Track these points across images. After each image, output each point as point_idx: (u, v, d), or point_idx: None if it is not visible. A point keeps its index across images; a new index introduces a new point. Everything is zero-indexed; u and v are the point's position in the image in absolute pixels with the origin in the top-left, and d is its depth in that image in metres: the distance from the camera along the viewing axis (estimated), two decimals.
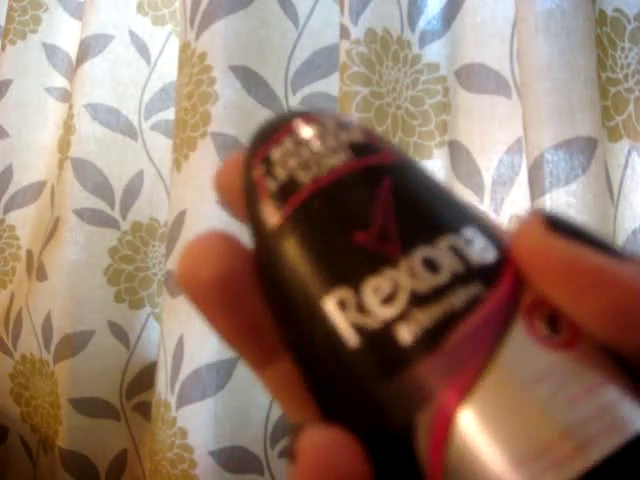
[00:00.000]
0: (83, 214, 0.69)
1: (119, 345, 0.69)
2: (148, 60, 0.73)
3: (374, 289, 0.14)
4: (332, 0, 0.63)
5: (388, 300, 0.14)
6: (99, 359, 0.68)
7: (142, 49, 0.73)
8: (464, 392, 0.13)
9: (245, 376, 0.58)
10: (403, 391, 0.13)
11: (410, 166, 0.16)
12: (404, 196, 0.15)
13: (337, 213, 0.15)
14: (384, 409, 0.14)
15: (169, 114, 0.69)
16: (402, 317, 0.14)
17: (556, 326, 0.14)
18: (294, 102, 0.61)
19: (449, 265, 0.14)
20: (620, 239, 0.48)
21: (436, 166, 0.58)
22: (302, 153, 0.16)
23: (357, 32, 0.56)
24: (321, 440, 0.14)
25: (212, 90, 0.58)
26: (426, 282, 0.14)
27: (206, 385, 0.56)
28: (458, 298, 0.14)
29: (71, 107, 0.71)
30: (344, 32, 0.56)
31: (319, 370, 0.15)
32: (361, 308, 0.14)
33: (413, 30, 0.59)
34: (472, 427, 0.13)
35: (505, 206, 0.54)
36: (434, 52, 0.59)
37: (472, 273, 0.14)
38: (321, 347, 0.15)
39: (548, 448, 0.12)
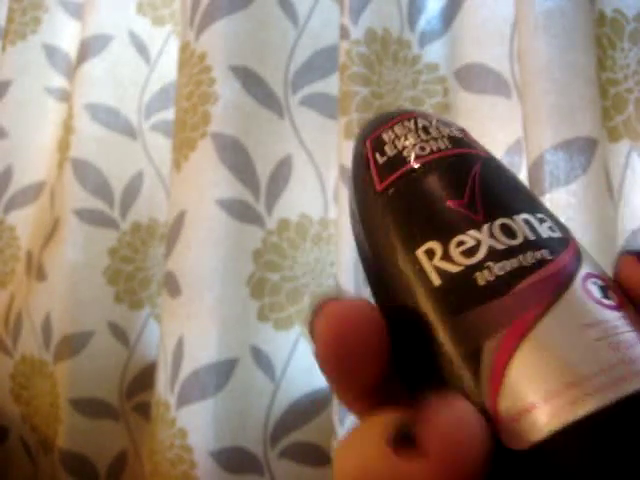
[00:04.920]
0: (83, 214, 0.69)
1: (119, 345, 0.69)
2: (148, 60, 0.73)
3: (458, 243, 0.17)
4: (332, 0, 0.63)
5: (469, 252, 0.17)
6: (99, 359, 0.68)
7: (142, 49, 0.73)
8: (526, 328, 0.16)
9: (245, 377, 0.58)
10: (474, 323, 0.16)
11: (495, 161, 0.20)
12: (490, 180, 0.19)
13: (435, 183, 0.18)
14: (456, 337, 0.16)
15: (169, 114, 0.69)
16: (479, 266, 0.17)
17: (607, 294, 0.17)
18: (294, 102, 0.61)
19: (523, 234, 0.17)
20: (620, 239, 0.48)
21: None
22: (409, 138, 0.20)
23: (357, 32, 0.55)
24: (336, 306, 0.16)
25: (212, 90, 0.58)
26: (502, 243, 0.17)
27: (206, 385, 0.56)
28: (528, 258, 0.17)
29: (71, 107, 0.71)
30: (344, 32, 0.56)
31: (403, 305, 0.18)
32: (445, 257, 0.17)
33: (413, 30, 0.59)
34: (529, 356, 0.15)
35: None
36: (434, 52, 0.59)
37: (541, 242, 0.17)
38: (408, 286, 0.18)
39: (590, 378, 0.15)
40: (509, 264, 0.16)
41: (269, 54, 0.60)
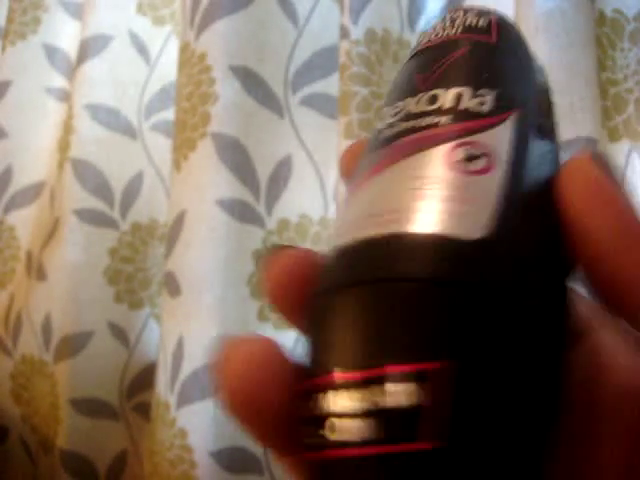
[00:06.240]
0: (83, 214, 0.69)
1: (119, 346, 0.69)
2: (148, 60, 0.73)
3: (395, 113, 0.19)
4: (332, 0, 0.63)
5: (394, 115, 0.19)
6: (99, 360, 0.68)
7: (142, 49, 0.73)
8: (375, 171, 0.18)
9: None
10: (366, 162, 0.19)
11: (495, 48, 0.20)
12: (466, 60, 0.20)
13: (421, 60, 0.21)
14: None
15: (169, 114, 0.69)
16: (389, 126, 0.19)
17: (474, 160, 0.17)
18: (294, 102, 0.61)
19: (441, 103, 0.18)
20: None
21: None
22: (437, 27, 0.21)
23: (357, 32, 0.55)
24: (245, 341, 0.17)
25: (212, 90, 0.58)
26: (419, 108, 0.19)
27: (206, 385, 0.56)
28: (426, 121, 0.18)
29: (71, 107, 0.71)
30: (344, 32, 0.56)
31: None
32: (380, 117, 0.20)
33: (413, 30, 0.59)
34: (365, 192, 0.18)
35: None
36: None
37: (449, 112, 0.18)
38: None
39: (381, 214, 0.16)
40: (409, 124, 0.18)
41: (269, 54, 0.60)
